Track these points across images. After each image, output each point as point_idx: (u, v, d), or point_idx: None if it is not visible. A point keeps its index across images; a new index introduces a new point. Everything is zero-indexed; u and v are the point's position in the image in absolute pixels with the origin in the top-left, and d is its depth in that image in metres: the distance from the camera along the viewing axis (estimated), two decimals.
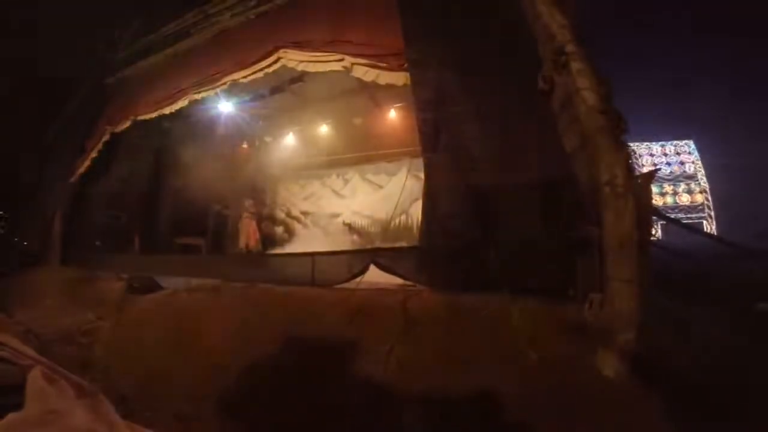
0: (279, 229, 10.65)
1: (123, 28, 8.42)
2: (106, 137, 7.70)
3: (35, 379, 0.66)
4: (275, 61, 5.40)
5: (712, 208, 27.06)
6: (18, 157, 8.39)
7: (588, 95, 2.58)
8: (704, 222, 26.68)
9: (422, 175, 3.89)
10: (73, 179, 7.98)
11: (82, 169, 7.87)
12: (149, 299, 4.41)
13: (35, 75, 8.36)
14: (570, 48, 2.72)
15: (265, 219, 10.39)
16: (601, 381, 2.04)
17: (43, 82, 8.37)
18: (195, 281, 5.03)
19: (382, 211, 8.93)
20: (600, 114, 2.52)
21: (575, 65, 2.67)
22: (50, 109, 8.56)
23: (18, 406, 0.60)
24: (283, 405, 2.43)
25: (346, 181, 10.26)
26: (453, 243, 3.42)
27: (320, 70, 5.08)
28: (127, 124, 7.43)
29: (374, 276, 3.99)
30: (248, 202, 9.58)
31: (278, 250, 9.82)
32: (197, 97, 6.48)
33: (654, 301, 2.54)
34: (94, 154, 7.79)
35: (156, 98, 7.04)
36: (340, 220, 9.71)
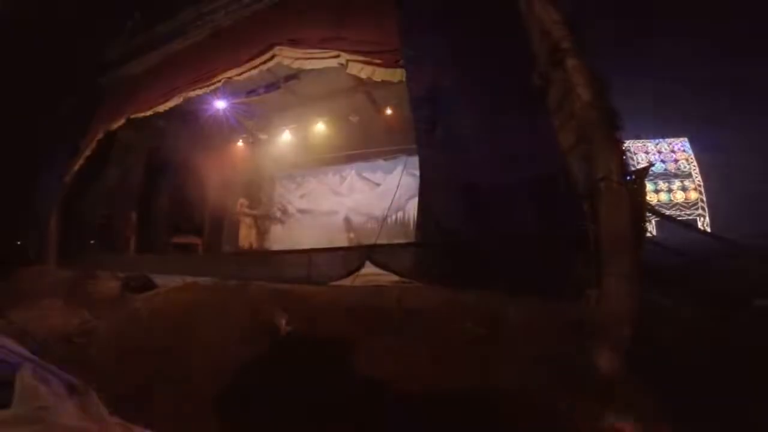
0: (276, 227, 10.64)
1: (117, 26, 8.36)
2: (100, 136, 7.64)
3: (25, 376, 0.66)
4: (270, 59, 5.39)
5: (706, 205, 27.24)
6: (12, 156, 8.31)
7: (583, 91, 2.59)
8: (699, 219, 26.85)
9: (418, 172, 3.90)
10: (67, 178, 7.93)
11: (76, 168, 7.81)
12: (145, 298, 4.38)
13: (29, 74, 8.29)
14: (565, 44, 2.73)
15: (262, 217, 10.37)
16: (598, 377, 2.05)
17: (38, 82, 8.29)
18: (191, 280, 5.01)
19: (379, 209, 8.94)
20: (595, 110, 2.53)
21: (570, 62, 2.68)
22: (45, 108, 8.49)
23: (8, 403, 0.59)
24: (281, 402, 2.43)
25: (343, 179, 10.26)
26: (449, 239, 3.43)
27: (315, 67, 5.08)
28: (121, 122, 7.38)
29: (370, 273, 3.99)
30: (245, 201, 9.57)
31: (275, 248, 9.83)
32: (192, 95, 6.45)
33: (650, 298, 2.55)
34: (87, 153, 7.72)
35: (150, 96, 7.00)
36: (336, 217, 9.71)
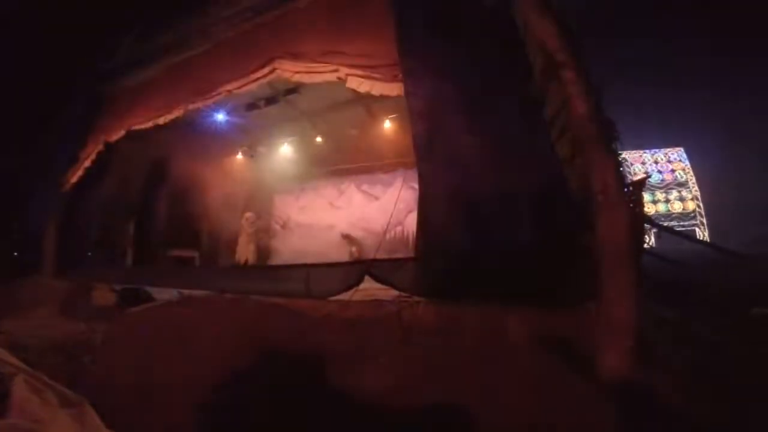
0: (274, 241, 10.60)
1: (119, 37, 8.45)
2: (100, 147, 7.64)
3: (19, 388, 0.65)
4: (270, 72, 5.42)
5: (704, 215, 27.31)
6: (11, 166, 8.33)
7: (579, 103, 2.61)
8: (697, 229, 26.90)
9: (417, 186, 3.89)
10: (66, 189, 7.92)
11: (75, 179, 7.80)
12: (141, 311, 4.35)
13: (31, 84, 8.37)
14: (561, 57, 2.76)
15: (261, 231, 10.33)
16: (599, 389, 2.03)
17: (39, 92, 8.36)
18: (188, 293, 4.98)
19: (378, 223, 8.91)
20: (591, 122, 2.55)
21: (566, 74, 2.71)
22: (45, 118, 8.53)
23: (1, 415, 0.58)
24: (278, 418, 2.39)
25: (342, 192, 10.25)
26: (448, 253, 3.41)
27: (315, 80, 5.11)
28: (122, 133, 7.38)
29: (370, 288, 3.97)
30: (246, 215, 9.55)
31: (273, 262, 9.79)
32: (192, 107, 6.46)
33: (649, 309, 2.54)
34: (87, 164, 7.71)
35: (151, 108, 7.02)
36: (335, 231, 9.67)
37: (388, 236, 8.26)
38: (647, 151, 29.73)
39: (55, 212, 7.97)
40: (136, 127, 7.22)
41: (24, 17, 8.13)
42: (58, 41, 8.24)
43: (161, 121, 6.87)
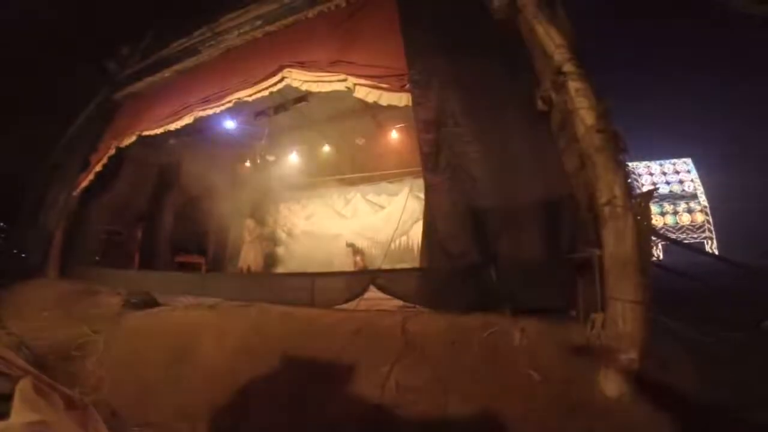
0: (280, 249, 10.63)
1: (132, 43, 8.59)
2: (111, 152, 7.74)
3: (24, 389, 0.65)
4: (280, 80, 5.47)
5: (713, 226, 26.92)
6: (22, 170, 8.45)
7: (586, 115, 2.61)
8: (706, 242, 26.52)
9: (423, 196, 3.89)
10: (75, 193, 8.02)
11: (85, 183, 7.90)
12: (146, 315, 4.37)
13: (44, 89, 8.51)
14: (567, 67, 2.77)
15: (266, 238, 10.36)
16: (605, 401, 2.00)
17: (50, 96, 8.50)
18: (193, 299, 5.00)
19: (383, 232, 8.90)
20: (598, 133, 2.55)
21: (573, 85, 2.71)
22: (56, 122, 8.66)
23: (5, 415, 0.59)
24: (280, 426, 2.38)
25: (348, 201, 10.26)
26: (454, 264, 3.40)
27: (324, 89, 5.14)
28: (133, 139, 7.48)
29: (374, 297, 3.96)
30: (251, 222, 9.58)
31: (279, 270, 9.80)
32: (202, 114, 6.53)
33: (657, 321, 2.51)
34: (98, 169, 7.80)
35: (162, 114, 7.11)
36: (341, 240, 9.67)
37: (393, 246, 8.24)
38: (655, 161, 29.53)
39: (65, 215, 8.06)
40: (147, 133, 7.32)
41: (37, 24, 8.30)
42: (71, 47, 8.38)
43: (171, 127, 6.96)
